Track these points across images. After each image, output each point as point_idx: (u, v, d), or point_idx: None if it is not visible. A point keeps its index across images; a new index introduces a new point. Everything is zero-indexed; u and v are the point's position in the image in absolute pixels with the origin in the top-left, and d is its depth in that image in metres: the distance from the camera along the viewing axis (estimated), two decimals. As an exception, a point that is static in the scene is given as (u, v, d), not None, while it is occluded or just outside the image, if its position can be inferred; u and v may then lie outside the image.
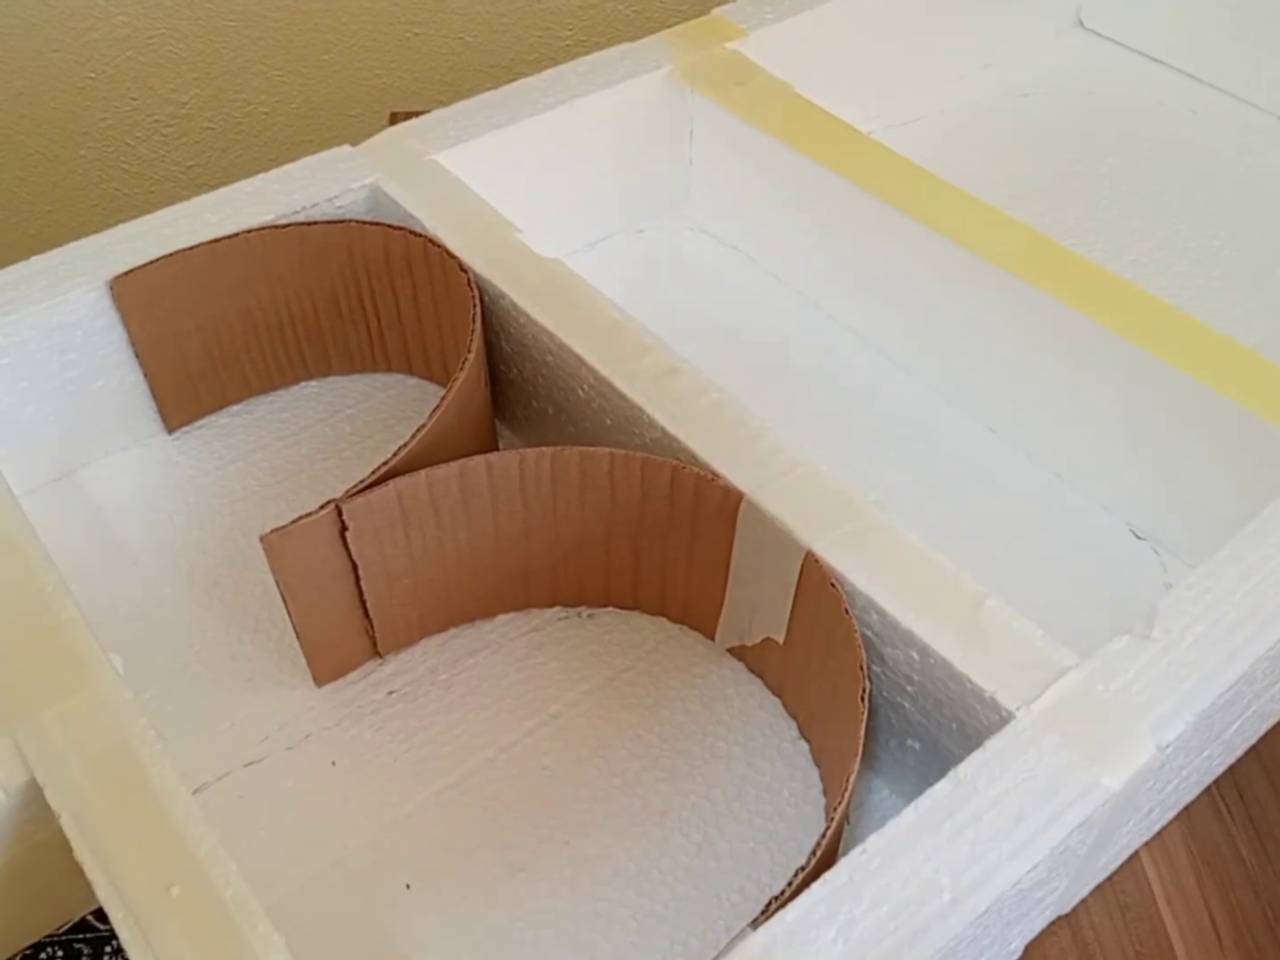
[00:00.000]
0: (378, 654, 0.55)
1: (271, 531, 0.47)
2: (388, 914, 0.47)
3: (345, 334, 0.66)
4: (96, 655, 0.45)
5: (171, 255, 0.59)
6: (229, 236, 0.60)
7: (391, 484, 0.49)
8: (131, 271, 0.58)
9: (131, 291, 0.58)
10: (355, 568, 0.50)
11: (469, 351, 0.55)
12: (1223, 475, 0.56)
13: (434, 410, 0.52)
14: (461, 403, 0.54)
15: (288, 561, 0.49)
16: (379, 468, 0.49)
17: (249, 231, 0.60)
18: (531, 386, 0.61)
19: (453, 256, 0.59)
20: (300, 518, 0.48)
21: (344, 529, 0.49)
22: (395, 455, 0.50)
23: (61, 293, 0.57)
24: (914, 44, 0.84)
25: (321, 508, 0.48)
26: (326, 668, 0.54)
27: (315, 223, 0.61)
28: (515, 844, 0.49)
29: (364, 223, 0.61)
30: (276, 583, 0.49)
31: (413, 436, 0.51)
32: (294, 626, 0.51)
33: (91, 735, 0.43)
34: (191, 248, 0.59)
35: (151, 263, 0.58)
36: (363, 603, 0.52)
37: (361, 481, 0.49)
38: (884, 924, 0.37)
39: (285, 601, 0.50)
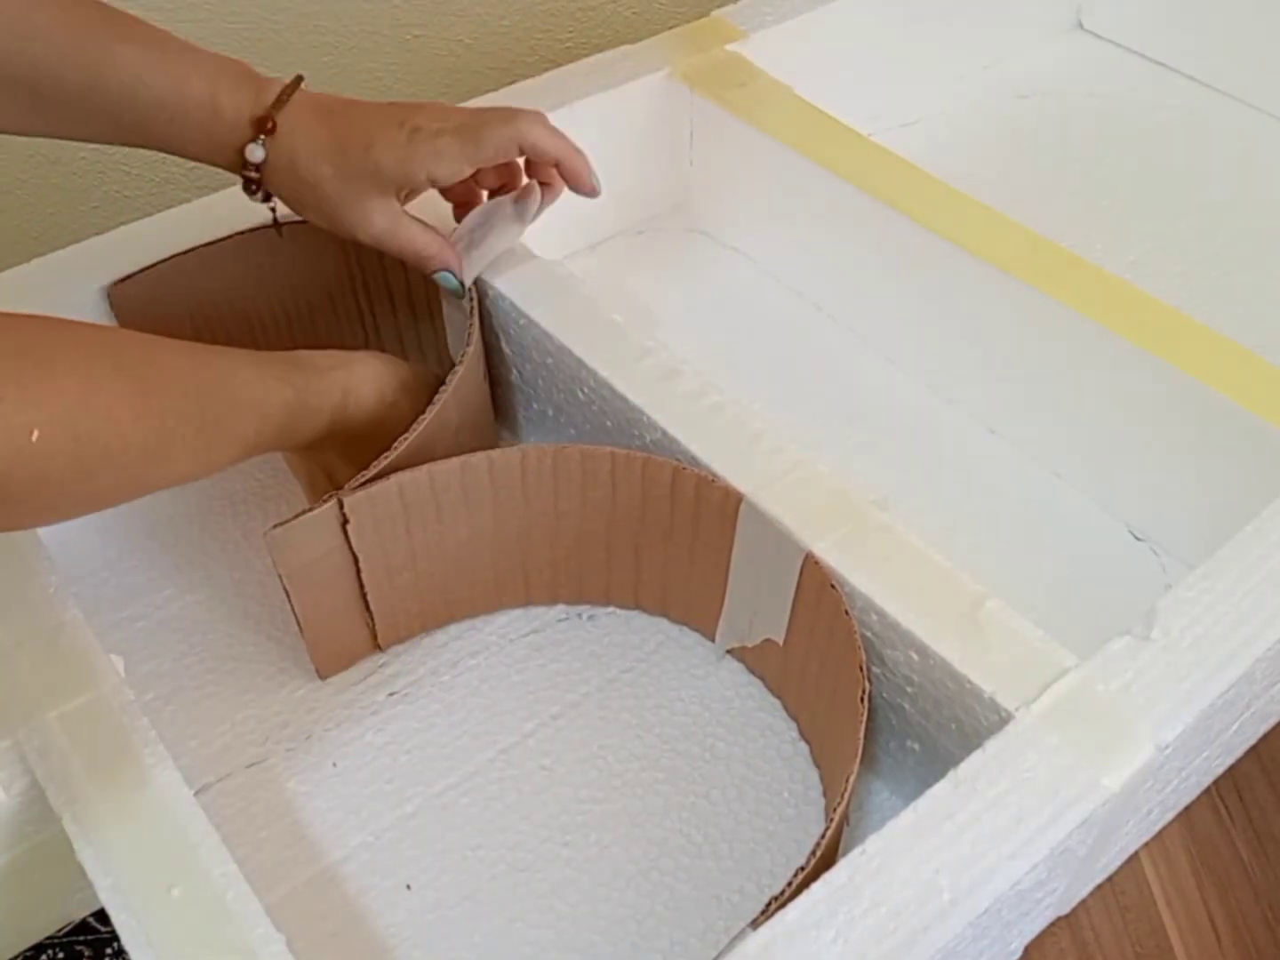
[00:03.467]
0: (378, 647, 0.55)
1: (274, 526, 0.47)
2: (388, 914, 0.47)
3: (341, 332, 0.66)
4: (98, 656, 0.45)
5: (166, 261, 0.59)
6: (222, 240, 0.60)
7: (394, 478, 0.49)
8: (128, 278, 0.58)
9: (128, 297, 0.58)
10: (356, 561, 0.51)
11: (467, 344, 0.55)
12: (1223, 475, 0.56)
13: (432, 403, 0.52)
14: (461, 397, 0.54)
15: (291, 556, 0.49)
16: (380, 460, 0.50)
17: (241, 234, 0.60)
18: (531, 388, 0.61)
19: None
20: (302, 512, 0.48)
21: (345, 522, 0.49)
22: (395, 449, 0.50)
23: (63, 295, 0.57)
24: (914, 46, 0.84)
25: (323, 501, 0.48)
26: (330, 661, 0.54)
27: (308, 222, 0.61)
28: (515, 844, 0.49)
29: None
30: (280, 577, 0.49)
31: (411, 429, 0.51)
32: (297, 621, 0.51)
33: (93, 736, 0.43)
34: (185, 252, 0.59)
35: (147, 269, 0.58)
36: (363, 596, 0.52)
37: (363, 475, 0.49)
38: (884, 924, 0.37)
39: (289, 596, 0.50)
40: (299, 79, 0.53)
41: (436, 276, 0.55)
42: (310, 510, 0.48)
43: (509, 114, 0.54)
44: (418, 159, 0.52)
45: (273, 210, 0.56)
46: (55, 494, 0.38)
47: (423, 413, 0.52)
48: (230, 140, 0.51)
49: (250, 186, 0.53)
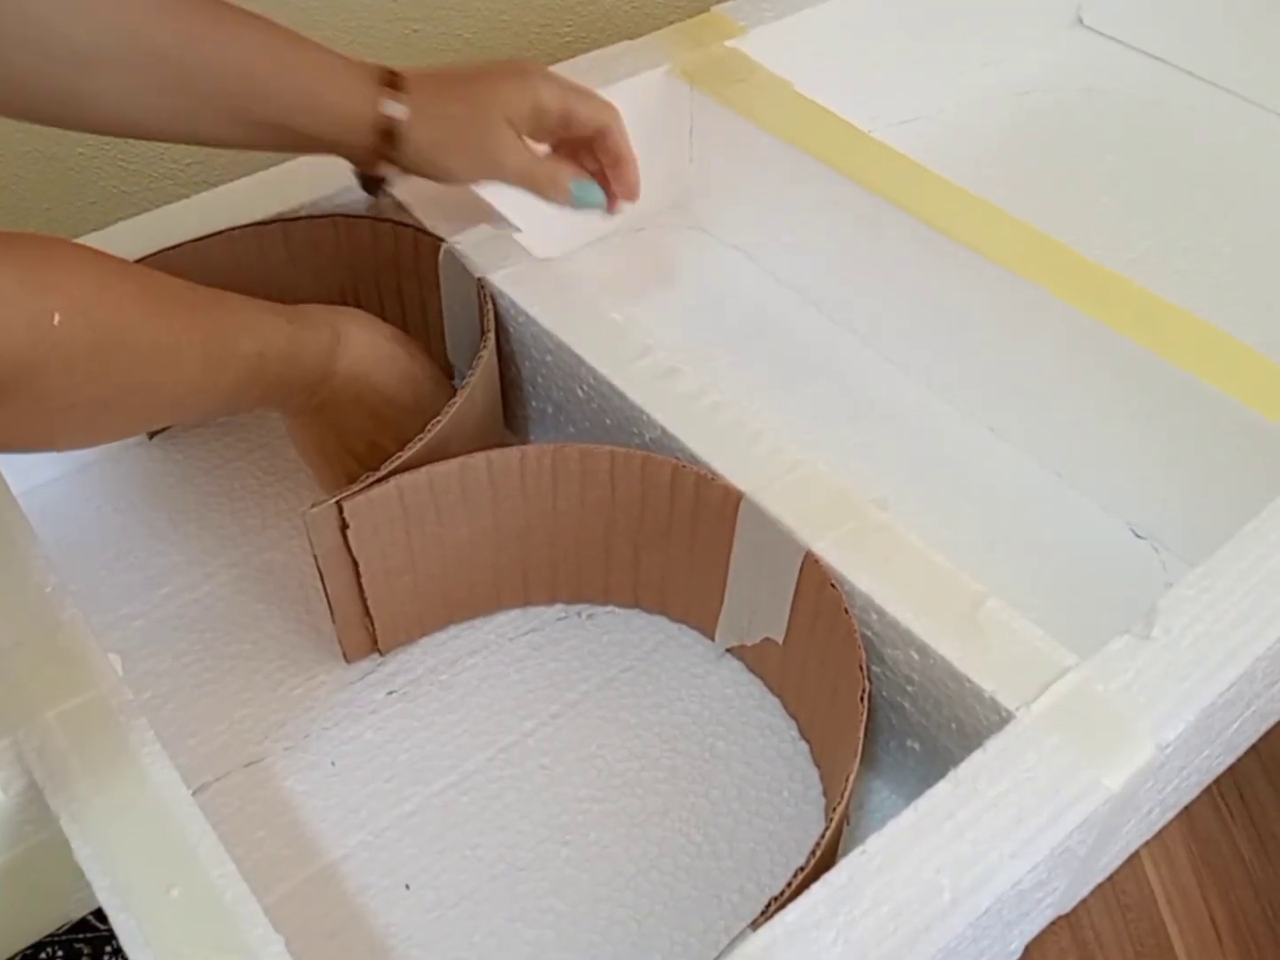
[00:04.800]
0: (378, 651, 0.55)
1: (312, 506, 0.48)
2: (387, 913, 0.47)
3: None
4: (96, 656, 0.45)
5: (155, 255, 0.58)
6: (212, 235, 0.59)
7: (393, 481, 0.49)
8: None
9: None
10: (356, 565, 0.50)
11: (483, 347, 0.55)
12: (1223, 474, 0.56)
13: (457, 394, 0.52)
14: (478, 395, 0.54)
15: (328, 536, 0.49)
16: (412, 443, 0.50)
17: (233, 229, 0.60)
18: (531, 386, 0.60)
19: (442, 240, 0.59)
20: (340, 494, 0.48)
21: (345, 526, 0.49)
22: (426, 434, 0.50)
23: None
24: (914, 42, 0.84)
25: (362, 481, 0.49)
26: (356, 644, 0.54)
27: (299, 218, 0.61)
28: (514, 843, 0.49)
29: (350, 216, 0.61)
30: (315, 558, 0.49)
31: (442, 414, 0.51)
32: (329, 602, 0.52)
33: (91, 736, 0.43)
34: (175, 246, 0.59)
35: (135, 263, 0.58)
36: (363, 600, 0.52)
37: (368, 478, 0.49)
38: (884, 924, 0.37)
39: (322, 577, 0.50)
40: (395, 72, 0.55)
41: (575, 189, 0.58)
42: (346, 492, 0.48)
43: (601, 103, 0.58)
44: (530, 83, 0.56)
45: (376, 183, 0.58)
46: (78, 386, 0.41)
47: (415, 366, 0.53)
48: (365, 111, 0.53)
49: (384, 146, 0.54)
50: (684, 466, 0.50)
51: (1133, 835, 0.49)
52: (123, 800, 0.41)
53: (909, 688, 0.47)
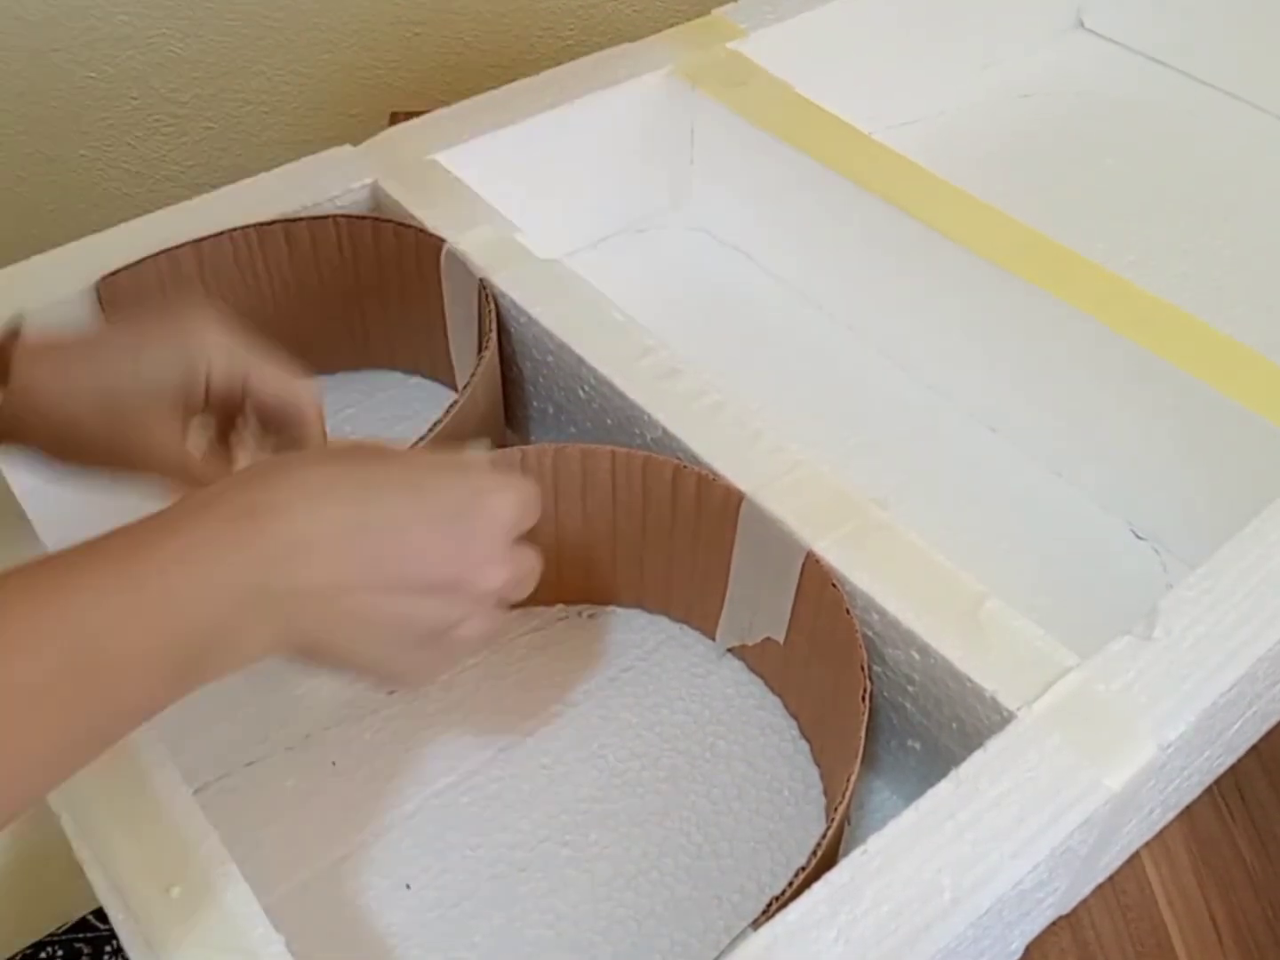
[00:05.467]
0: (378, 654, 0.55)
1: None
2: (387, 913, 0.47)
3: (336, 331, 0.66)
4: (97, 655, 0.45)
5: (156, 255, 0.58)
6: (214, 236, 0.59)
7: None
8: (117, 272, 0.58)
9: (117, 292, 0.58)
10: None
11: (485, 348, 0.55)
12: (1224, 474, 0.56)
13: (449, 408, 0.52)
14: (475, 403, 0.54)
15: None
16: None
17: (234, 230, 0.60)
18: (532, 386, 0.61)
19: (444, 241, 0.59)
20: None
21: None
22: (425, 438, 0.50)
23: (58, 292, 0.57)
24: (914, 44, 0.84)
25: None
26: None
27: (301, 219, 0.61)
28: (515, 843, 0.49)
29: (351, 216, 0.61)
30: None
31: (430, 431, 0.51)
32: None
33: (92, 735, 0.43)
34: (177, 247, 0.59)
35: (137, 263, 0.58)
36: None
37: None
38: (885, 924, 0.37)
39: None
40: (16, 330, 0.42)
41: None
42: None
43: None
44: (193, 348, 0.43)
45: None
46: None
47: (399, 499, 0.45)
48: None
49: None
50: (685, 467, 0.50)
51: (1133, 835, 0.49)
52: (123, 800, 0.41)
53: (910, 688, 0.47)
